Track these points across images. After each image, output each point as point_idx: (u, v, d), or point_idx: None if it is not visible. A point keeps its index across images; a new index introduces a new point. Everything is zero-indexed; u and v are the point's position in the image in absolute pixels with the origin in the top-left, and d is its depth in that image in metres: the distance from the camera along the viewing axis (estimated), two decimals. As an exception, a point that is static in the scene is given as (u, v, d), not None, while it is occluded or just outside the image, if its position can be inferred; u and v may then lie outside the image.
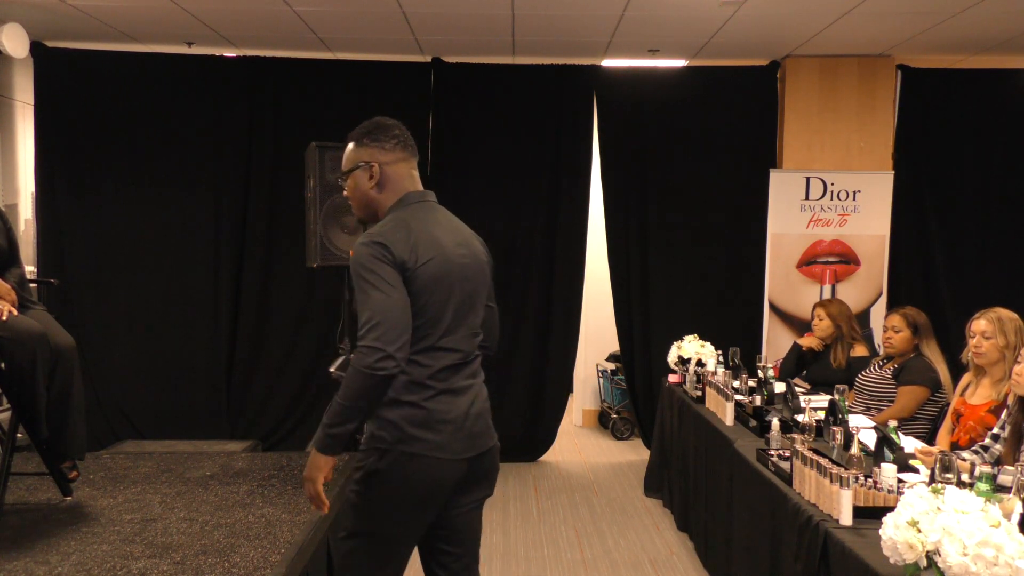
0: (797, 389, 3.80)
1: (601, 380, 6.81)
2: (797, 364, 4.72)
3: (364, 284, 2.04)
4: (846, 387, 3.38)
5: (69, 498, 3.56)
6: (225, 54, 5.68)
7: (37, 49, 5.39)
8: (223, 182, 5.63)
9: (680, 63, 5.80)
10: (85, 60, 5.52)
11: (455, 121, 5.68)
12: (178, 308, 5.61)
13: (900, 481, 2.46)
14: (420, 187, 2.29)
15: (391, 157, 2.23)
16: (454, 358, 2.18)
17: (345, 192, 2.30)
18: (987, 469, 2.24)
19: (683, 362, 4.66)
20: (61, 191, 5.53)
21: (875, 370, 4.16)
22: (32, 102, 5.62)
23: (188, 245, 5.62)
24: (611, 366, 6.63)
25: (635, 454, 5.99)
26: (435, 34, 5.16)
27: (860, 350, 4.50)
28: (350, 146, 2.26)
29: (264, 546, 2.90)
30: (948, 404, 3.69)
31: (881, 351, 4.42)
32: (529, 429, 5.80)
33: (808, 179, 5.64)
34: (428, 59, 5.68)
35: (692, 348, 4.66)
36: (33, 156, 5.63)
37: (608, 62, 5.75)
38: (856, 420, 3.25)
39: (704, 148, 5.73)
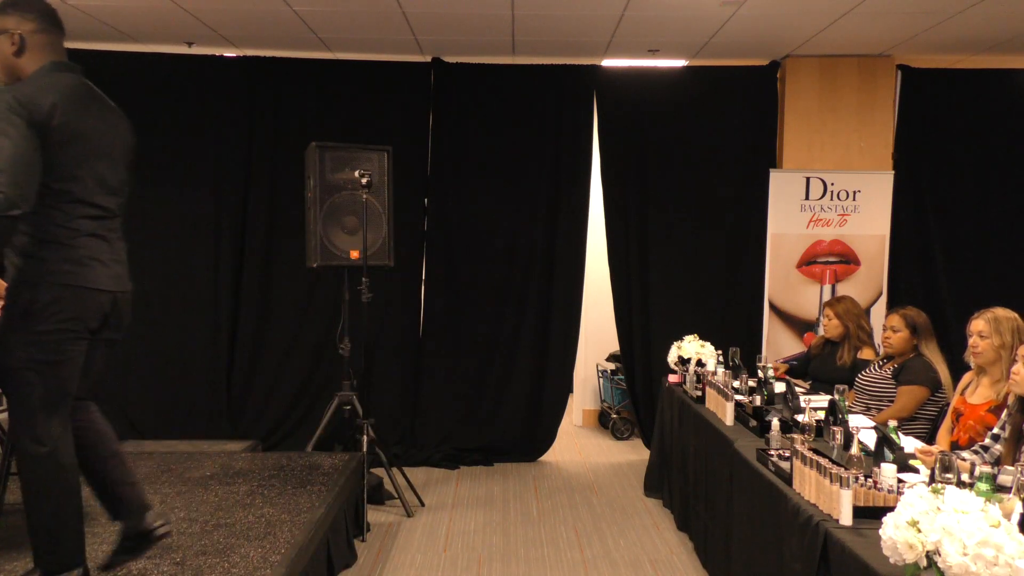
0: (797, 389, 3.80)
1: (601, 380, 6.81)
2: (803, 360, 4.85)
3: None
4: (846, 387, 3.38)
5: (69, 498, 3.55)
6: (225, 54, 5.68)
7: (37, 49, 5.38)
8: (223, 182, 5.62)
9: (680, 63, 5.80)
10: (85, 60, 5.48)
11: (455, 121, 5.68)
12: (178, 308, 5.60)
13: (900, 481, 2.46)
14: (66, 60, 2.50)
15: (34, 27, 2.43)
16: (94, 211, 2.41)
17: None
18: (987, 469, 2.24)
19: (683, 362, 4.66)
20: (61, 191, 5.51)
21: (875, 370, 4.16)
22: (32, 102, 5.61)
23: (188, 245, 5.61)
24: (611, 366, 6.62)
25: (635, 454, 5.99)
26: (435, 34, 5.16)
27: (867, 353, 4.47)
28: None
29: (264, 546, 2.90)
30: (948, 404, 3.69)
31: (880, 351, 4.42)
32: (529, 429, 5.80)
33: (808, 179, 5.64)
34: (428, 59, 5.67)
35: (692, 348, 4.66)
36: (33, 156, 5.61)
37: (608, 62, 5.74)
38: (856, 420, 3.25)
39: (704, 148, 5.73)
